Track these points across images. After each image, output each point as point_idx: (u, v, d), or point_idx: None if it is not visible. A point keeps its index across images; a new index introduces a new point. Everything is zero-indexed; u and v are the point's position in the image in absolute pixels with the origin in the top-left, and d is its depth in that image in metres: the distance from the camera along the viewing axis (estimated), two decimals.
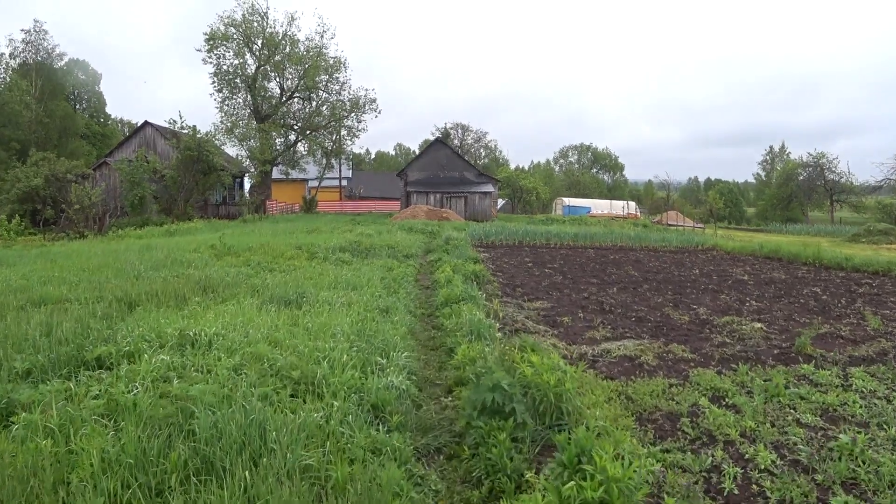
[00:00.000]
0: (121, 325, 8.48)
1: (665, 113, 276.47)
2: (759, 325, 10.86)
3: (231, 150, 58.67)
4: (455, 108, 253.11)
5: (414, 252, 22.00)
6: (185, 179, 46.43)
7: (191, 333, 7.40)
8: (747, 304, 13.60)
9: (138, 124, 55.81)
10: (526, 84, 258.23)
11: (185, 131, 47.69)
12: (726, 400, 6.88)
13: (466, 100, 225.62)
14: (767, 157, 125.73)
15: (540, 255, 24.66)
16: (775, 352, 9.22)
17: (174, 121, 48.14)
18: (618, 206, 75.85)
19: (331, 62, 58.82)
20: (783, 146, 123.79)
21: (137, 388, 5.63)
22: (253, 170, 58.74)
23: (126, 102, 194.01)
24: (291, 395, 5.78)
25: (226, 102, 57.14)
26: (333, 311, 9.55)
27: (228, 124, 55.44)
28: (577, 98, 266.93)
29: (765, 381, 7.51)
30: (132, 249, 20.52)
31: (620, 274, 18.84)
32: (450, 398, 6.74)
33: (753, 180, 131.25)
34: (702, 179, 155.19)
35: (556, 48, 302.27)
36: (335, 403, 5.49)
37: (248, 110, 58.57)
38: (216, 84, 56.53)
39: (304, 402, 5.70)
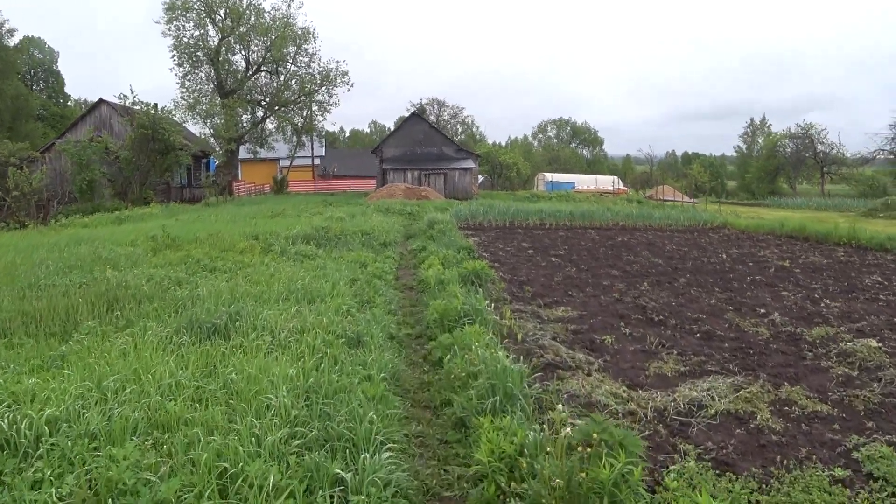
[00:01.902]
0: None
1: (639, 89, 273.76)
2: (873, 343, 7.86)
3: (194, 128, 54.57)
4: (431, 89, 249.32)
5: (392, 239, 18.77)
6: (140, 160, 42.27)
7: (3, 425, 4.18)
8: (822, 303, 10.63)
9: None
10: (501, 64, 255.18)
11: (139, 107, 43.47)
12: None
13: (442, 82, 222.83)
14: (748, 130, 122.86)
15: (538, 238, 21.50)
16: None
17: (125, 96, 43.76)
18: (604, 182, 72.86)
19: (299, 32, 54.64)
20: (764, 118, 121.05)
21: None
22: (218, 149, 54.64)
23: (93, 85, 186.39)
24: None
25: (187, 77, 52.79)
26: (275, 347, 6.37)
27: (190, 100, 51.20)
28: (551, 77, 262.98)
29: None
30: (58, 244, 17.14)
31: (641, 261, 15.81)
32: None
33: (734, 153, 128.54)
34: (679, 154, 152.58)
35: (531, 28, 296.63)
36: None
37: (212, 85, 54.19)
38: (176, 58, 52.20)
39: None
